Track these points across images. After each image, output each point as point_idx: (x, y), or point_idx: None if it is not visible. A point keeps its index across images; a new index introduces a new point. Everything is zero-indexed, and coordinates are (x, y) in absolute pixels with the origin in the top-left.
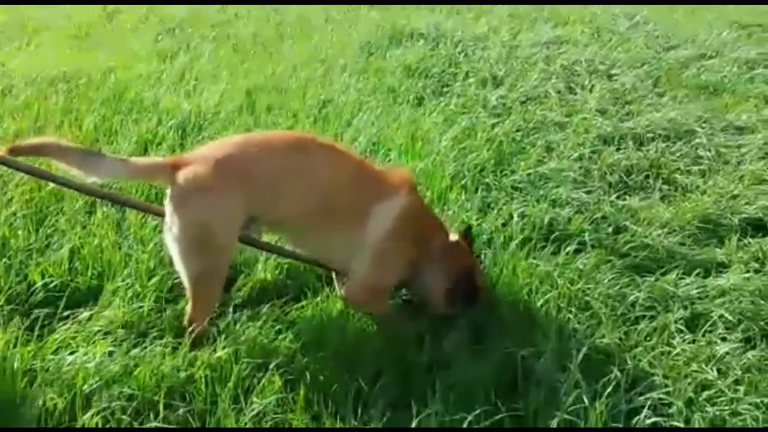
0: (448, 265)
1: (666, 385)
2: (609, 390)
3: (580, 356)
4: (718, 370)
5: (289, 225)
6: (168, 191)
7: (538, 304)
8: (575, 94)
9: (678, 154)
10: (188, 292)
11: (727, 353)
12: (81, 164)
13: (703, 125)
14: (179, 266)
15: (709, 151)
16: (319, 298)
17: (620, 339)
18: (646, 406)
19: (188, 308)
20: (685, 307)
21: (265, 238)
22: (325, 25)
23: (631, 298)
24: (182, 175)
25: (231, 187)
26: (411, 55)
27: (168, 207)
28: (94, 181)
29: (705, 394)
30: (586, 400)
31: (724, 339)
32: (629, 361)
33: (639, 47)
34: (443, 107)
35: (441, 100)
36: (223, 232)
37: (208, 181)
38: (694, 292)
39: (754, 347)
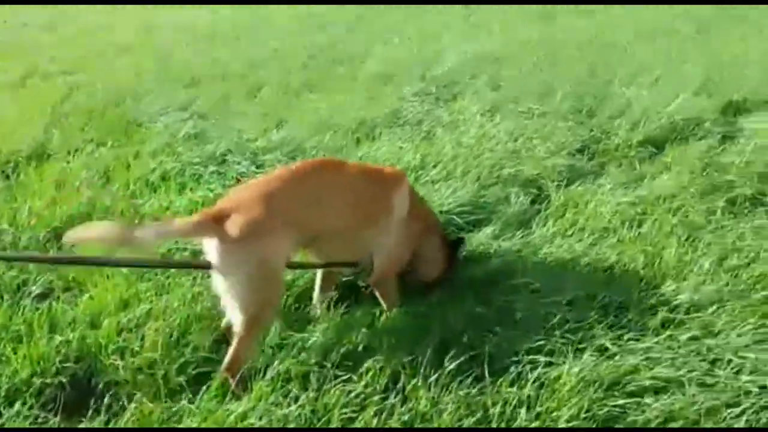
0: (443, 235)
1: None
2: None
3: None
4: None
5: (326, 237)
6: (215, 242)
7: None
8: None
9: None
10: (241, 328)
11: None
12: (125, 240)
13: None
14: (240, 306)
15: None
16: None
17: None
18: None
19: (233, 349)
20: None
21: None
22: None
23: None
24: (234, 225)
25: (282, 224)
26: None
27: (222, 256)
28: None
29: None
30: None
31: None
32: None
33: None
34: None
35: None
36: (281, 265)
37: (263, 224)
38: None
39: None
